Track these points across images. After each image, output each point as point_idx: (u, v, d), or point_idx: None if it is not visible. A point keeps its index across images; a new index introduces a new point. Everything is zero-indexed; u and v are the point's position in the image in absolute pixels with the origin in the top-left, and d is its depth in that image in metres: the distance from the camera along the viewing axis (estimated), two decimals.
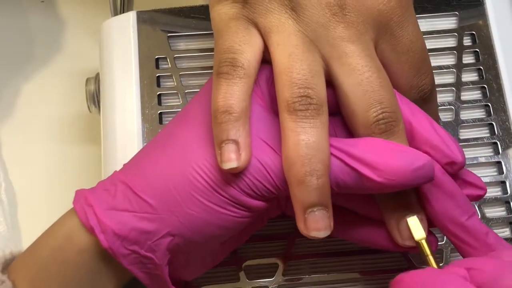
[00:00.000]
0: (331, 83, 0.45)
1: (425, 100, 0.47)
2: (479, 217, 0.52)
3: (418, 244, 0.44)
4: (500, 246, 0.44)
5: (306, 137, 0.42)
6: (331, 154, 0.43)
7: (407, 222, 0.45)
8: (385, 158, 0.43)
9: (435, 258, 0.44)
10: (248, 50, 0.44)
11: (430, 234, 0.46)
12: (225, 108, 0.43)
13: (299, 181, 0.42)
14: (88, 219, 0.44)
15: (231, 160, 0.43)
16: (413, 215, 0.45)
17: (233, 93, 0.43)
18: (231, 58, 0.44)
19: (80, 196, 0.45)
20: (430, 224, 0.46)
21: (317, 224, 0.43)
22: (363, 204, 0.47)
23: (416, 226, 0.45)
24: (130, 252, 0.44)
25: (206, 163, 0.44)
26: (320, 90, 0.43)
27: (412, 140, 0.45)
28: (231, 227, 0.45)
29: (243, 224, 0.45)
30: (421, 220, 0.45)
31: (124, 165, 0.47)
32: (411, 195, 0.45)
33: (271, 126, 0.45)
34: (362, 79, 0.44)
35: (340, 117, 0.46)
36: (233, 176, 0.43)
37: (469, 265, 0.41)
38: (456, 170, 0.45)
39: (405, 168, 0.43)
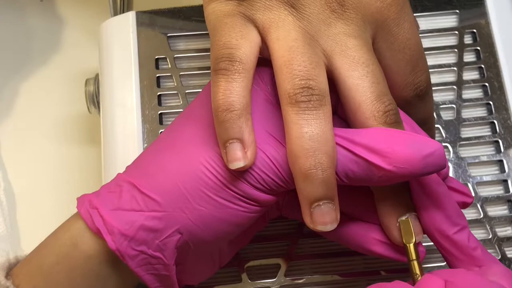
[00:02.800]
0: (331, 78, 0.45)
1: (421, 97, 0.47)
2: (481, 216, 0.52)
3: (405, 248, 0.44)
4: (488, 261, 0.44)
5: (310, 129, 0.42)
6: (338, 144, 0.43)
7: (410, 219, 0.45)
8: (394, 146, 0.42)
9: (419, 264, 0.44)
10: (245, 45, 0.44)
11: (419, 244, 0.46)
12: (225, 106, 0.43)
13: (304, 175, 0.42)
14: (94, 221, 0.44)
15: (238, 159, 0.42)
16: (406, 217, 0.45)
17: (233, 90, 0.43)
18: (228, 53, 0.44)
19: (84, 200, 0.45)
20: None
21: (323, 218, 0.43)
22: (361, 207, 0.47)
23: (406, 229, 0.44)
24: (138, 252, 0.44)
25: (214, 159, 0.43)
26: (322, 81, 0.43)
27: None
28: (240, 222, 0.44)
29: (252, 219, 0.45)
30: (415, 220, 0.45)
31: (127, 167, 0.47)
32: (408, 196, 0.45)
33: (277, 119, 0.44)
34: (368, 71, 0.44)
35: (336, 117, 0.46)
36: (241, 171, 0.43)
37: (448, 277, 0.41)
38: (442, 177, 0.45)
39: (415, 155, 0.42)
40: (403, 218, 0.45)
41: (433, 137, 0.50)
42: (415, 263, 0.44)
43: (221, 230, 0.44)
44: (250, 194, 0.43)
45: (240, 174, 0.43)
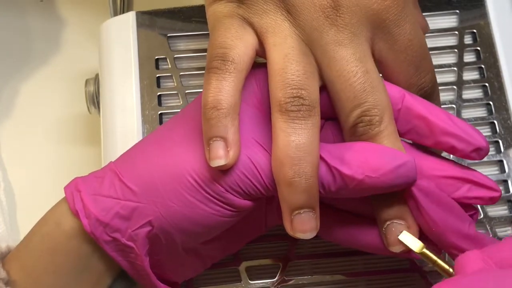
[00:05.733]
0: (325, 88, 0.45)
1: (426, 98, 0.47)
2: (481, 216, 0.52)
3: (422, 255, 0.44)
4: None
5: (297, 138, 0.43)
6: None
7: (392, 227, 0.45)
8: (366, 156, 0.43)
9: (444, 261, 0.44)
10: (240, 45, 0.44)
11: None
12: (213, 104, 0.43)
13: (287, 182, 0.43)
14: (75, 204, 0.45)
15: (219, 157, 0.43)
16: (402, 231, 0.44)
17: (222, 89, 0.43)
18: (221, 53, 0.44)
19: (72, 182, 0.46)
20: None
21: (303, 226, 0.43)
22: (363, 205, 0.47)
23: (410, 240, 0.44)
24: (111, 239, 0.44)
25: (195, 159, 0.44)
26: (313, 92, 0.44)
27: (431, 134, 0.45)
28: (211, 225, 0.45)
29: (224, 223, 0.45)
30: (408, 228, 0.45)
31: (120, 155, 0.47)
32: (401, 201, 0.45)
33: (263, 127, 0.45)
34: (346, 85, 0.44)
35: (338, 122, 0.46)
36: (222, 172, 0.43)
37: (485, 253, 0.40)
38: (482, 156, 0.45)
39: (386, 165, 0.43)
40: (401, 235, 0.44)
41: None
42: (440, 262, 0.44)
43: (190, 229, 0.45)
44: (225, 198, 0.44)
45: (220, 175, 0.43)
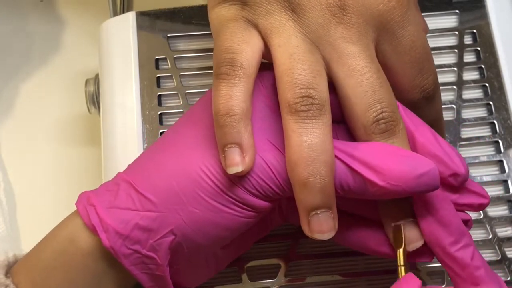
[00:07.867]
0: (333, 85, 0.45)
1: (428, 99, 0.47)
2: (481, 216, 0.52)
3: (395, 253, 0.44)
4: (490, 281, 0.44)
5: (309, 138, 0.42)
6: (336, 157, 0.43)
7: (404, 225, 0.45)
8: (389, 163, 0.43)
9: (406, 270, 0.44)
10: (247, 50, 0.44)
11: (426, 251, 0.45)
12: (225, 111, 0.43)
13: (302, 183, 0.42)
14: (90, 219, 0.44)
15: (236, 164, 0.43)
16: (400, 223, 0.45)
17: (233, 95, 0.43)
18: (229, 58, 0.44)
19: (83, 197, 0.46)
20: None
21: (321, 227, 0.43)
22: (367, 207, 0.46)
23: (397, 235, 0.45)
24: (132, 251, 0.44)
25: (212, 162, 0.44)
26: (322, 90, 0.43)
27: (415, 151, 0.45)
28: (235, 227, 0.44)
29: (247, 224, 0.45)
30: (413, 226, 0.45)
31: (128, 166, 0.47)
32: (410, 202, 0.45)
33: (276, 126, 0.45)
34: (362, 80, 0.44)
35: (343, 125, 0.46)
36: (239, 176, 0.43)
37: None
38: (460, 182, 0.45)
39: (409, 173, 0.42)
40: (396, 223, 0.45)
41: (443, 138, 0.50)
42: (403, 269, 0.44)
43: (215, 234, 0.44)
44: (246, 200, 0.44)
45: (237, 179, 0.43)
